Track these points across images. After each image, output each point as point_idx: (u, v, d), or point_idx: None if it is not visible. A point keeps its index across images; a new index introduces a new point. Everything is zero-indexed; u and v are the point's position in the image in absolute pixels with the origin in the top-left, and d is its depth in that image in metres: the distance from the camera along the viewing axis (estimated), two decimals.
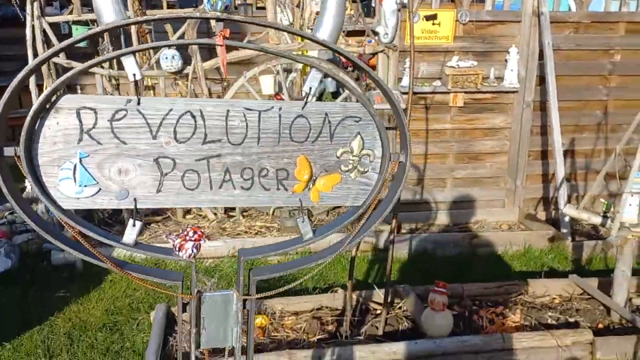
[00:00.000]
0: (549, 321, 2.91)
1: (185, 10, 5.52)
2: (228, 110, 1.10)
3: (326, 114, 1.12)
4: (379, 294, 3.05)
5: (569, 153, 4.50)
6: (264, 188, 1.12)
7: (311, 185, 1.13)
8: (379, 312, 2.92)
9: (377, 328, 2.79)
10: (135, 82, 1.12)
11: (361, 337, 2.71)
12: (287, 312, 2.96)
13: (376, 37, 3.91)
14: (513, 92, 4.25)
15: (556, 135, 4.15)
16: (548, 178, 4.54)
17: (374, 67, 5.82)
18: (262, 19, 5.19)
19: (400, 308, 2.99)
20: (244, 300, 1.12)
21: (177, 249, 1.13)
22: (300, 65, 4.60)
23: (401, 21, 4.01)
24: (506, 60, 4.20)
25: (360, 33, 5.51)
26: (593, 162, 4.51)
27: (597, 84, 4.36)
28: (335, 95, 4.92)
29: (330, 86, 4.70)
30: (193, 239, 1.09)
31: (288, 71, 4.68)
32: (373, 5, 6.64)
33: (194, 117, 1.10)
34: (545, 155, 4.50)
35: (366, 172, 1.15)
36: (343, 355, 2.44)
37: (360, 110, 1.13)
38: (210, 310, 1.11)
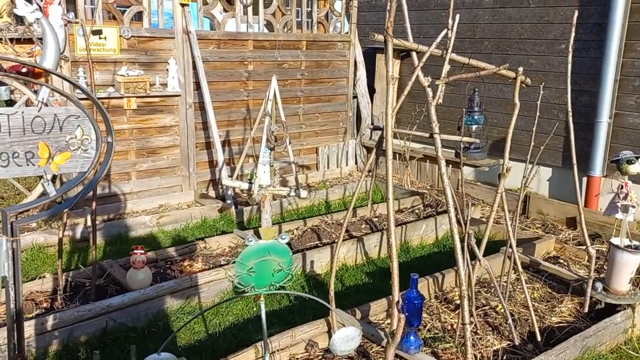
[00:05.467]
0: (222, 263, 3.94)
1: None
2: None
3: (55, 114, 1.74)
4: (86, 272, 3.57)
5: (226, 142, 5.70)
6: (17, 165, 1.68)
7: (51, 161, 1.73)
8: (88, 285, 3.46)
9: (90, 295, 3.33)
10: None
11: (76, 305, 3.21)
12: None
13: None
14: (176, 95, 5.19)
15: (214, 129, 5.26)
16: (213, 164, 5.65)
17: (40, 75, 5.99)
18: None
19: (106, 278, 3.58)
20: (12, 242, 1.65)
21: None
22: None
23: (69, 34, 4.48)
24: (167, 70, 5.09)
25: (27, 41, 5.63)
26: (244, 147, 5.81)
27: (239, 88, 5.67)
28: (8, 103, 5.01)
29: (4, 95, 4.80)
30: None
31: None
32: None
33: None
34: (209, 145, 5.58)
35: (87, 149, 1.82)
36: (63, 317, 2.94)
37: (78, 111, 1.79)
38: None
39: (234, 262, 2.17)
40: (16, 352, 1.77)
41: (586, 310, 3.30)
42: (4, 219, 1.67)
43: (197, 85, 5.27)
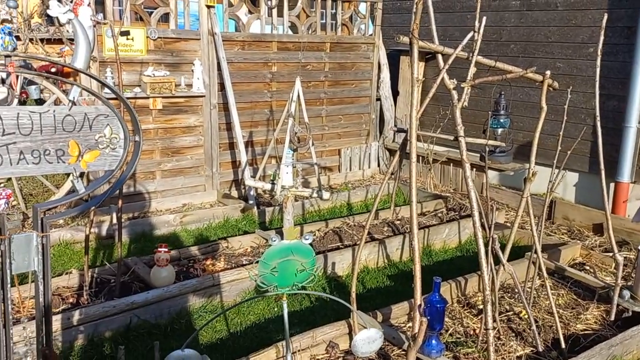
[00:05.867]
0: (244, 263, 3.97)
1: None
2: (18, 113, 1.65)
3: (85, 113, 1.78)
4: (111, 268, 3.63)
5: (249, 143, 5.74)
6: (48, 162, 1.72)
7: (81, 159, 1.77)
8: (113, 282, 3.51)
9: (114, 291, 3.38)
10: None
11: (101, 301, 3.27)
12: (25, 298, 3.28)
13: (73, 46, 4.38)
14: (201, 96, 5.24)
15: (237, 130, 5.30)
16: (236, 164, 5.69)
17: (68, 75, 6.12)
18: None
19: (130, 275, 3.63)
20: (42, 237, 1.69)
21: None
22: None
23: (98, 35, 4.56)
24: (192, 71, 5.15)
25: (57, 41, 5.75)
26: (267, 149, 5.85)
27: (262, 89, 5.70)
28: (38, 101, 5.13)
29: (34, 94, 4.91)
30: (4, 196, 1.60)
31: None
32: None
33: None
34: (232, 146, 5.62)
35: (115, 148, 1.85)
36: (88, 312, 2.99)
37: (107, 110, 1.82)
38: (18, 247, 1.64)
39: (257, 262, 2.19)
40: (44, 345, 1.80)
41: (612, 318, 3.24)
42: (35, 215, 1.71)
43: (222, 86, 5.32)
